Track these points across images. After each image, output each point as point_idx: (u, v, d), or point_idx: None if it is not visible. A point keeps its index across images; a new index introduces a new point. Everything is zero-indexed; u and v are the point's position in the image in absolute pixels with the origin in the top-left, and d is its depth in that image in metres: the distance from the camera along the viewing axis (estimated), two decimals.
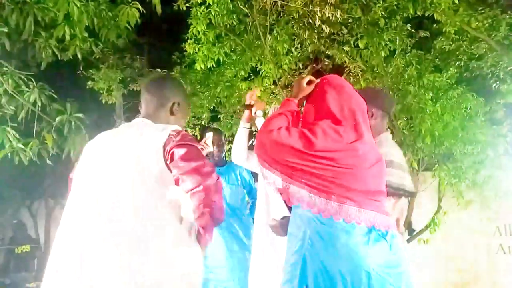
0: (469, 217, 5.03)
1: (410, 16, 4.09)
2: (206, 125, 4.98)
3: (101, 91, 4.77)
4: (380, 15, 4.01)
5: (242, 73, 4.60)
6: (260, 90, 4.41)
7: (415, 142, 4.27)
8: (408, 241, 4.54)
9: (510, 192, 4.57)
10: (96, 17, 3.33)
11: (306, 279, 1.37)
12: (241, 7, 4.16)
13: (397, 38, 4.13)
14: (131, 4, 3.44)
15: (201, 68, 4.39)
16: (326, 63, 4.63)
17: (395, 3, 4.01)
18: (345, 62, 4.44)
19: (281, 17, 4.35)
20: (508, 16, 4.08)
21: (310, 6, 3.89)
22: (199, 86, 4.82)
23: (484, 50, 4.31)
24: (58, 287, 1.30)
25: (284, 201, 2.10)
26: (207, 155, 2.69)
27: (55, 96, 3.42)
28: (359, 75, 4.45)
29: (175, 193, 1.41)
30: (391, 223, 1.45)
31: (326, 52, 4.48)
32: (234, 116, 4.92)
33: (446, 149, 4.32)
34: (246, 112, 2.22)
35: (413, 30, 4.28)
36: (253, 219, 2.70)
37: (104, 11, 3.42)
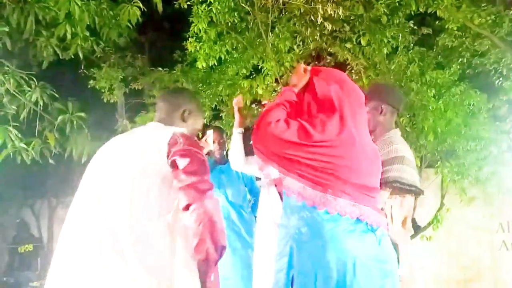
0: (472, 214, 5.02)
1: (412, 13, 4.08)
2: (208, 123, 4.98)
3: (103, 90, 4.76)
4: (383, 12, 3.99)
5: (244, 71, 4.58)
6: (262, 88, 4.40)
7: (417, 139, 4.26)
8: (411, 237, 4.53)
9: None
10: (97, 15, 3.32)
11: (293, 267, 1.39)
12: (243, 4, 4.14)
13: (400, 35, 4.12)
14: (132, 2, 3.42)
15: (202, 66, 4.38)
16: (328, 60, 4.61)
17: (397, 0, 4.00)
18: (348, 59, 4.42)
19: (282, 14, 4.33)
20: (511, 13, 4.06)
21: (312, 3, 3.87)
22: (201, 85, 4.81)
23: (487, 46, 4.29)
24: (62, 286, 1.30)
25: (279, 193, 2.11)
26: (207, 154, 2.69)
27: (57, 96, 3.41)
28: (362, 72, 4.43)
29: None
30: (383, 221, 1.44)
31: (328, 50, 4.47)
32: None
33: (449, 146, 4.31)
34: (237, 116, 2.23)
35: (415, 27, 4.27)
36: (255, 217, 2.69)
37: (105, 10, 3.40)
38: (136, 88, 4.88)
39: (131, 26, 3.58)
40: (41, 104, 3.30)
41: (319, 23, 3.87)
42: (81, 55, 3.53)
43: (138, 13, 3.41)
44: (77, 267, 1.29)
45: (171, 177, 1.36)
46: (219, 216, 1.35)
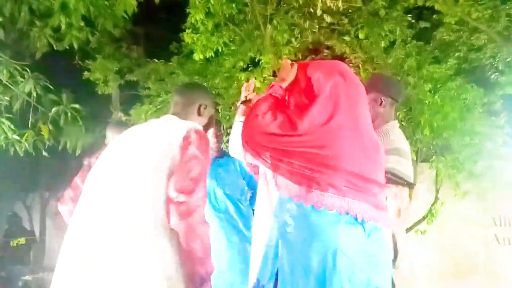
0: (466, 208, 5.06)
1: (410, 6, 4.07)
2: None
3: (98, 82, 4.71)
4: (381, 5, 3.98)
5: (241, 63, 4.53)
6: (259, 81, 4.36)
7: (413, 134, 4.27)
8: (406, 231, 4.56)
9: (507, 183, 4.60)
10: (92, 6, 3.26)
11: (278, 258, 1.41)
12: None
13: (398, 28, 4.10)
14: None
15: (199, 58, 4.32)
16: (326, 53, 4.60)
17: None
18: (345, 52, 4.40)
19: (281, 6, 4.29)
20: (507, 7, 4.07)
21: None
22: (197, 77, 4.76)
23: (484, 41, 4.30)
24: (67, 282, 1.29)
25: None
26: None
27: (51, 87, 3.37)
28: (359, 66, 4.42)
29: None
30: (377, 216, 1.39)
31: (326, 43, 4.45)
32: (232, 107, 4.87)
33: (444, 140, 4.32)
34: (242, 106, 2.20)
35: (413, 21, 4.25)
36: (253, 210, 2.68)
37: (100, 0, 3.35)
38: (131, 80, 4.82)
39: (127, 17, 3.53)
40: (35, 95, 3.25)
41: (318, 15, 3.84)
42: (75, 46, 3.47)
43: (134, 3, 3.37)
44: (80, 267, 1.30)
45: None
46: (207, 228, 1.40)
